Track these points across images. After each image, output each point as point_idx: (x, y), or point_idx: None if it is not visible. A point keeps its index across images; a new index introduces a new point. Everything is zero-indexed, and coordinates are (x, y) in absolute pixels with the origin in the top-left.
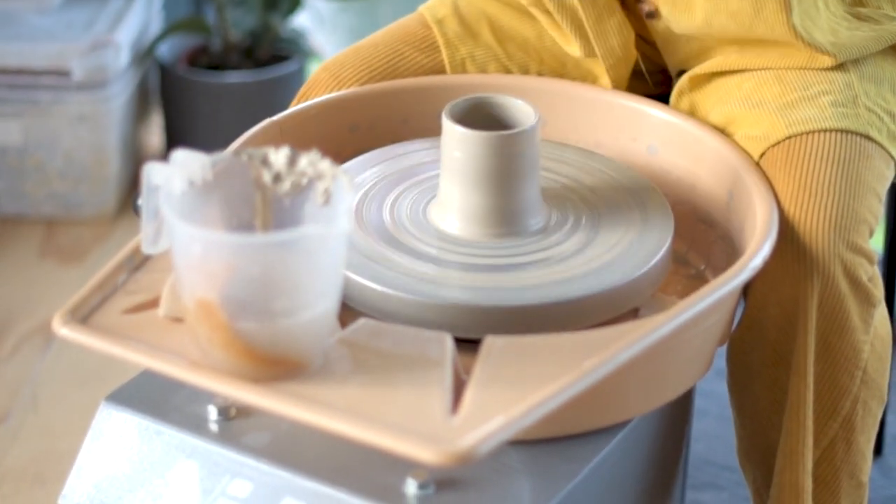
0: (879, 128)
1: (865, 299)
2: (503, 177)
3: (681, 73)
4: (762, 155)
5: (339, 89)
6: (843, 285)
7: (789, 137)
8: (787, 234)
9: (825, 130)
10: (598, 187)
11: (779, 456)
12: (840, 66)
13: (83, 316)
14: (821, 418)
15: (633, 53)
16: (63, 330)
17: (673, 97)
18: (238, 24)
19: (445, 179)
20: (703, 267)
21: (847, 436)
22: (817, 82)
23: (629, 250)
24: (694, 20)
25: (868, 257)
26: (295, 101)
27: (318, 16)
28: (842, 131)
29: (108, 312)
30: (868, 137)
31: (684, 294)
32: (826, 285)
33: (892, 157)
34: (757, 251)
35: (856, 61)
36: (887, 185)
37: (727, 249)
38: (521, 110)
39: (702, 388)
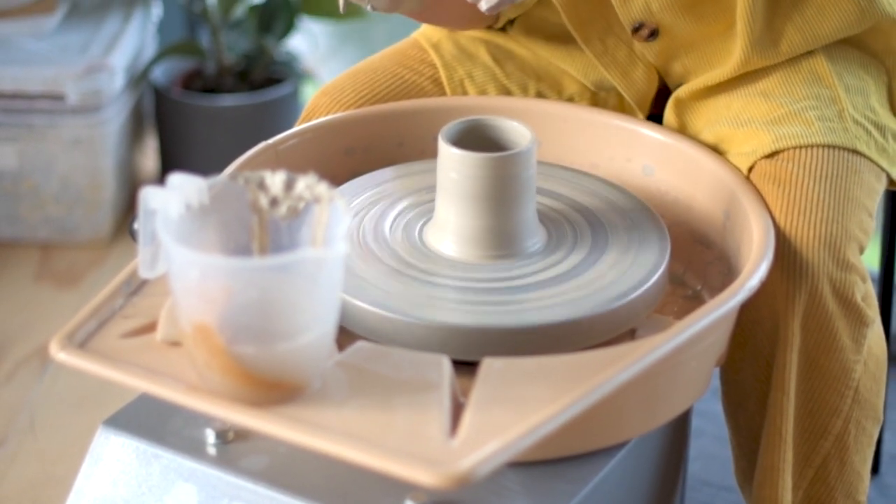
0: (867, 141)
1: (856, 318)
2: (499, 198)
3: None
4: (751, 169)
5: (339, 113)
6: (831, 304)
7: (777, 152)
8: (776, 251)
9: (812, 146)
10: (594, 208)
11: (758, 470)
12: (823, 82)
13: (81, 340)
14: (812, 437)
15: (655, 85)
16: (61, 354)
17: (665, 120)
18: (232, 47)
19: (441, 201)
20: (699, 287)
21: (840, 455)
22: (803, 97)
23: (626, 271)
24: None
25: (860, 274)
26: (298, 122)
27: (313, 38)
28: (829, 146)
29: (105, 337)
30: (856, 151)
31: (681, 315)
32: (813, 303)
33: (882, 169)
34: (753, 272)
35: (839, 76)
36: (878, 198)
37: (724, 270)
38: (517, 132)
39: (699, 407)
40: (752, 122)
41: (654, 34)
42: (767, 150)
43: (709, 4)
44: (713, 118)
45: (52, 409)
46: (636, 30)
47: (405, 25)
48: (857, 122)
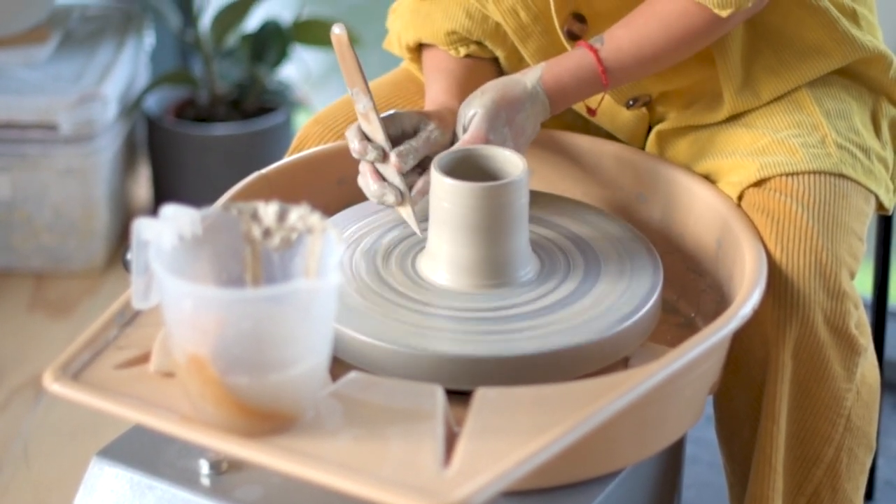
0: (853, 164)
1: (849, 347)
2: (492, 228)
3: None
4: (740, 199)
5: (331, 141)
6: (823, 333)
7: (764, 180)
8: (768, 280)
9: (798, 173)
10: (586, 237)
11: (747, 499)
12: (804, 109)
13: (74, 371)
14: (804, 465)
15: (646, 122)
16: (55, 386)
17: (646, 151)
18: (225, 76)
19: (434, 231)
20: (693, 315)
21: (832, 483)
22: (786, 126)
23: (619, 300)
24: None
25: (853, 301)
26: (288, 153)
27: (305, 67)
28: (815, 173)
29: (99, 368)
30: (842, 175)
31: (675, 343)
32: (804, 333)
33: (870, 191)
34: (746, 299)
35: (819, 102)
36: (867, 220)
37: (717, 298)
38: (510, 161)
39: (693, 435)
40: (736, 153)
41: (647, 102)
42: (753, 179)
43: (690, 60)
44: (697, 151)
45: (46, 438)
46: (631, 105)
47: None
48: (840, 147)
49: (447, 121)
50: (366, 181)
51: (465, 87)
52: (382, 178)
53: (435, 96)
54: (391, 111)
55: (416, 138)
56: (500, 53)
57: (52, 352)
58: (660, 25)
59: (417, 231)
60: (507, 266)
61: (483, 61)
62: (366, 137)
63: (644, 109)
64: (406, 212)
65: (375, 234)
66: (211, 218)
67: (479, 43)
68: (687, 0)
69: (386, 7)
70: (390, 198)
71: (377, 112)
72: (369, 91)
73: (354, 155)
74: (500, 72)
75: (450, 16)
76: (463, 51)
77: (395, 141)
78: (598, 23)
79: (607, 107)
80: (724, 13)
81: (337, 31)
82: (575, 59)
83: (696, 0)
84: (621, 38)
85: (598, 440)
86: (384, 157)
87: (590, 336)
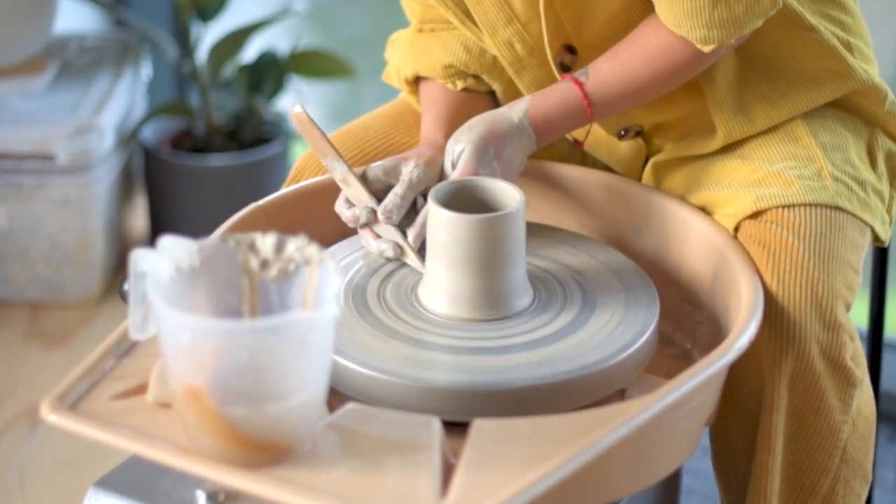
0: (849, 196)
1: (844, 379)
2: (489, 259)
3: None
4: (736, 230)
5: (328, 173)
6: (819, 365)
7: (760, 212)
8: (763, 312)
9: (794, 205)
10: (583, 268)
11: None
12: (800, 142)
13: (71, 402)
14: (800, 497)
15: (643, 154)
16: (51, 416)
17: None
18: (221, 106)
19: (432, 262)
20: (689, 346)
21: None
22: (781, 158)
23: (615, 331)
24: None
25: (848, 333)
26: (285, 184)
27: (302, 97)
28: (811, 205)
29: (96, 399)
30: (838, 208)
31: (671, 374)
32: (800, 365)
33: (866, 223)
34: (742, 331)
35: (815, 134)
36: (863, 252)
37: (713, 329)
38: (506, 192)
39: (689, 466)
40: (732, 185)
41: (639, 132)
42: (750, 211)
43: (679, 92)
44: (692, 183)
45: (42, 469)
46: (622, 135)
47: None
48: (836, 179)
49: (426, 155)
50: (366, 243)
51: (458, 120)
52: (379, 236)
53: (425, 131)
54: (363, 168)
55: (398, 185)
56: (496, 87)
57: (48, 382)
58: (644, 59)
59: (423, 271)
60: (505, 297)
61: (479, 95)
62: (352, 203)
63: (640, 141)
64: (409, 259)
65: (373, 265)
66: (208, 249)
67: (476, 76)
68: (671, 34)
69: (383, 38)
70: (390, 252)
71: (354, 174)
72: (341, 156)
73: (350, 225)
74: (497, 104)
75: (447, 49)
76: (460, 84)
77: (383, 192)
78: (588, 54)
79: (604, 139)
80: (707, 49)
81: (297, 109)
82: (560, 92)
83: (679, 35)
84: (606, 73)
85: (594, 472)
86: (374, 215)
87: (586, 368)
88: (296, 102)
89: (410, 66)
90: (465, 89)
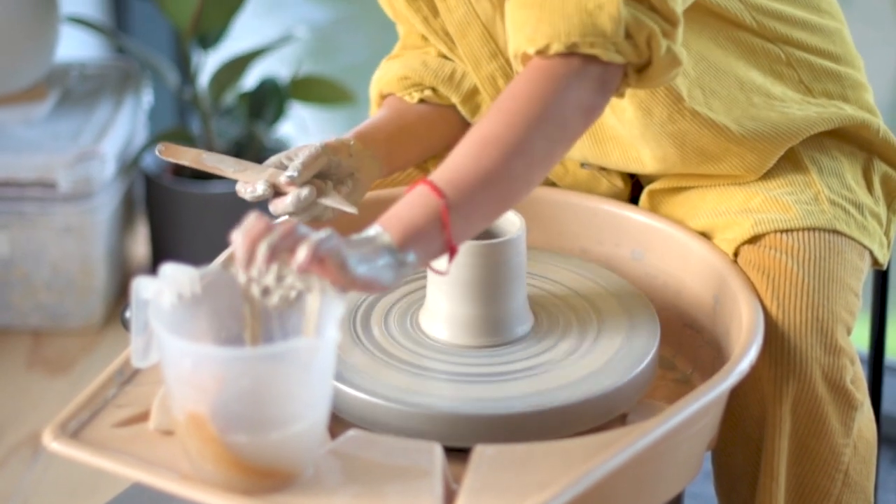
0: (847, 220)
1: (846, 402)
2: (490, 285)
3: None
4: (735, 256)
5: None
6: (821, 389)
7: (758, 237)
8: (764, 337)
9: (792, 230)
10: (584, 294)
11: None
12: (796, 167)
13: (73, 430)
14: None
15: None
16: (54, 444)
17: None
18: (223, 133)
19: (433, 288)
20: (690, 371)
21: None
22: (778, 184)
23: (616, 356)
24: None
25: (849, 356)
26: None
27: (303, 124)
28: (809, 229)
29: (98, 426)
30: (836, 232)
31: (672, 399)
32: (802, 389)
33: (864, 247)
34: (743, 355)
35: (811, 159)
36: (863, 276)
37: (714, 353)
38: (507, 219)
39: (691, 490)
40: (729, 211)
41: (602, 167)
42: (748, 236)
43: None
44: (689, 210)
45: (45, 496)
46: (584, 166)
47: None
48: (834, 203)
49: (331, 142)
50: (241, 192)
51: (407, 130)
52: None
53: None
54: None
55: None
56: (454, 99)
57: (50, 409)
58: (520, 102)
59: (348, 209)
60: (506, 323)
61: (440, 107)
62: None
63: (620, 183)
64: (330, 200)
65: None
66: (210, 276)
67: (433, 89)
68: (532, 65)
69: None
70: (261, 188)
71: (239, 166)
72: (223, 160)
73: (247, 198)
74: (460, 117)
75: (406, 64)
76: (416, 95)
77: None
78: None
79: (588, 177)
80: (560, 47)
81: (161, 148)
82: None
83: (537, 49)
84: (462, 165)
85: (595, 497)
86: (272, 189)
87: (587, 393)
88: (158, 145)
89: (374, 87)
90: (422, 101)
